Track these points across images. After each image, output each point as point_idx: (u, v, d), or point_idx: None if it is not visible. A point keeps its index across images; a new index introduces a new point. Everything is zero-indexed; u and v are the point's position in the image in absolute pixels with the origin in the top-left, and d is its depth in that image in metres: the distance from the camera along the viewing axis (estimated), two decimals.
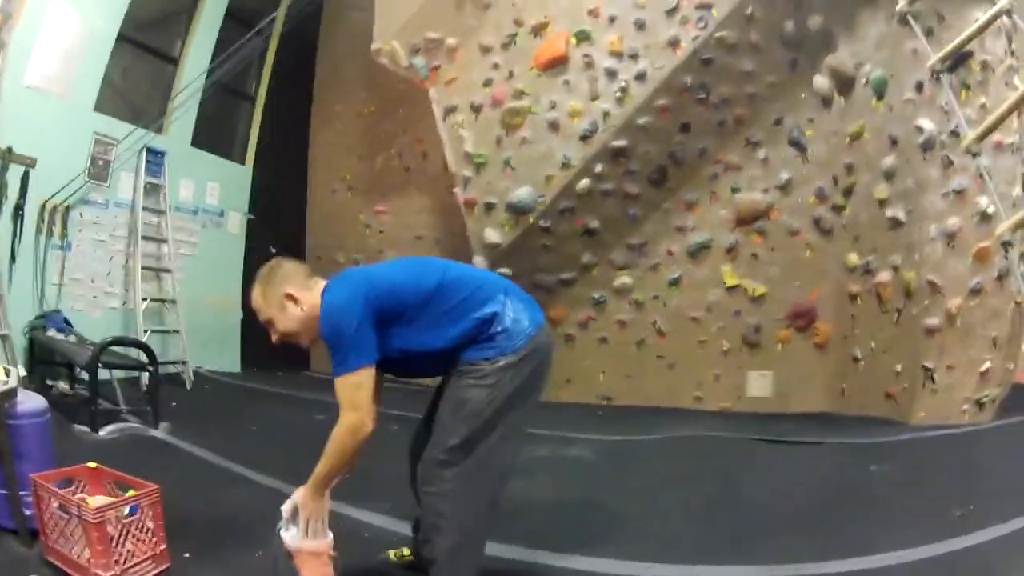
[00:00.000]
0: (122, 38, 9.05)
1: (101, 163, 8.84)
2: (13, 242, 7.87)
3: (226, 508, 4.52)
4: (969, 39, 6.08)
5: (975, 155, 3.63)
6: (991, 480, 5.05)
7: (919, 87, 6.93)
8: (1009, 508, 4.27)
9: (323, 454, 2.94)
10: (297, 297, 3.07)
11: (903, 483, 5.21)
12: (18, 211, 7.89)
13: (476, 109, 9.21)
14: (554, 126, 8.72)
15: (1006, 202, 6.64)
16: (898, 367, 7.33)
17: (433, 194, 10.81)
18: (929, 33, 6.72)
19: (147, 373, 6.80)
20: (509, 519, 4.41)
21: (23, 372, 7.40)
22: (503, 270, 9.07)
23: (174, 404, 7.76)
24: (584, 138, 8.58)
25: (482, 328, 3.03)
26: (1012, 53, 6.86)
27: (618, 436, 7.18)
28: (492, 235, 9.18)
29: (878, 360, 7.69)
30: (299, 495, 3.04)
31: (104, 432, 5.98)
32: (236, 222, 11.33)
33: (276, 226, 11.97)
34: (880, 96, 7.43)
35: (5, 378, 3.74)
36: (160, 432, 6.29)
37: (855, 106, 7.85)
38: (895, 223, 7.34)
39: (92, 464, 3.75)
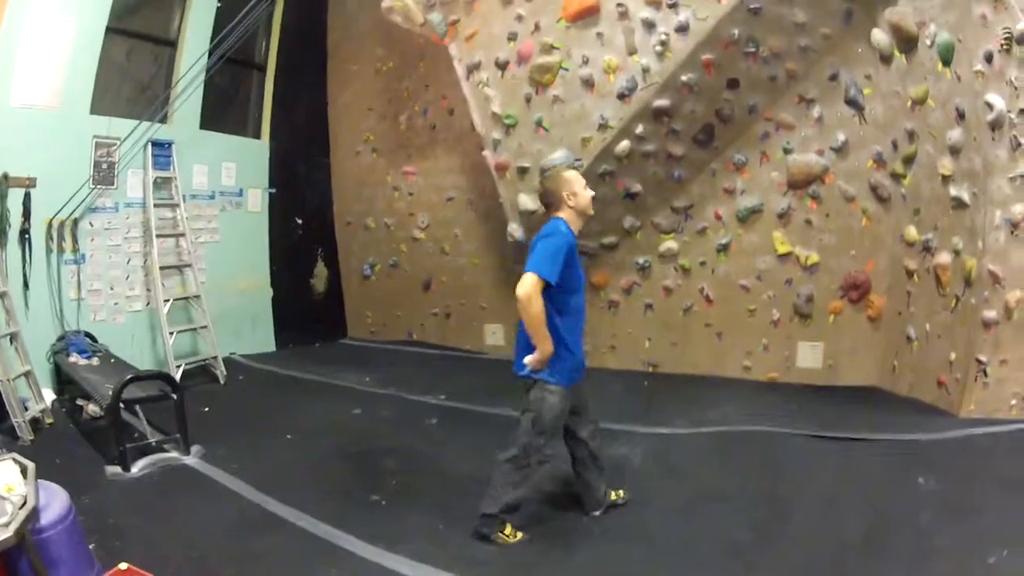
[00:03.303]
0: (111, 31, 8.85)
1: (105, 166, 8.77)
2: (24, 267, 7.94)
3: (260, 565, 4.50)
4: None
5: None
6: None
7: (988, 58, 6.37)
8: None
9: (530, 331, 4.54)
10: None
11: (947, 506, 5.03)
12: (24, 235, 7.91)
13: (501, 66, 8.86)
14: (588, 83, 8.36)
15: None
16: (952, 355, 7.03)
17: (463, 152, 10.58)
18: None
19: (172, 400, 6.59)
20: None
21: (52, 396, 7.66)
22: None
23: (206, 409, 7.84)
24: (622, 96, 8.23)
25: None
26: None
27: (665, 429, 7.03)
28: (527, 202, 8.93)
29: (932, 344, 7.38)
30: (538, 353, 4.58)
31: (136, 469, 6.03)
32: (256, 200, 11.27)
33: (300, 197, 12.02)
34: (947, 62, 6.85)
35: (22, 492, 3.56)
36: (192, 459, 6.34)
37: (918, 68, 7.26)
38: (959, 203, 6.87)
39: (123, 565, 3.58)
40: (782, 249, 8.67)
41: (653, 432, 6.93)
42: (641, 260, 9.47)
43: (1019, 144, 6.27)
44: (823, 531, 4.82)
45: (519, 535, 4.81)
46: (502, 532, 4.78)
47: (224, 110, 10.89)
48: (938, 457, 5.93)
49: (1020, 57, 6.12)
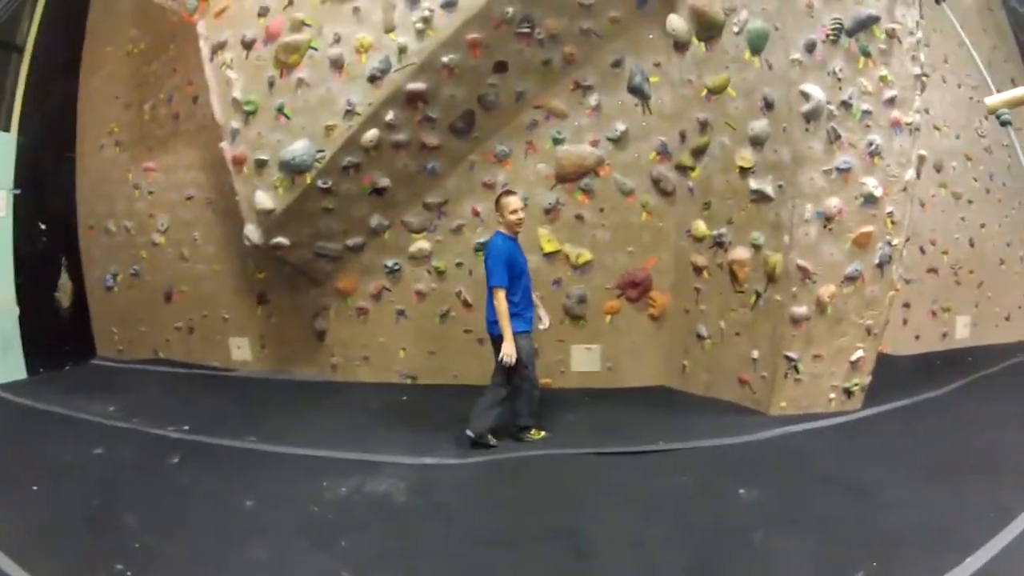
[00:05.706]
0: None
1: None
2: None
3: None
4: None
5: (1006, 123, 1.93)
6: (885, 513, 4.08)
7: (810, 47, 5.44)
8: (917, 567, 3.47)
9: (501, 324, 5.27)
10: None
11: (781, 519, 4.08)
12: None
13: (247, 45, 6.81)
14: (337, 64, 6.53)
15: (895, 186, 5.73)
16: (755, 353, 6.15)
17: (204, 145, 8.19)
18: None
19: None
20: None
21: None
22: (279, 239, 7.16)
23: None
24: (373, 79, 6.48)
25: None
26: (920, 24, 5.75)
27: (431, 458, 5.36)
28: (264, 200, 6.88)
29: (729, 342, 6.41)
30: (507, 346, 5.23)
31: None
32: (1, 202, 8.49)
33: (46, 198, 9.18)
34: (756, 51, 5.68)
35: None
36: None
37: (720, 56, 6.01)
38: (762, 196, 5.79)
39: None
40: (549, 247, 7.09)
41: (418, 463, 5.32)
42: (390, 263, 7.51)
43: (838, 136, 5.46)
44: (639, 567, 3.70)
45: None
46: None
47: None
48: (756, 462, 5.03)
49: (847, 49, 5.47)
